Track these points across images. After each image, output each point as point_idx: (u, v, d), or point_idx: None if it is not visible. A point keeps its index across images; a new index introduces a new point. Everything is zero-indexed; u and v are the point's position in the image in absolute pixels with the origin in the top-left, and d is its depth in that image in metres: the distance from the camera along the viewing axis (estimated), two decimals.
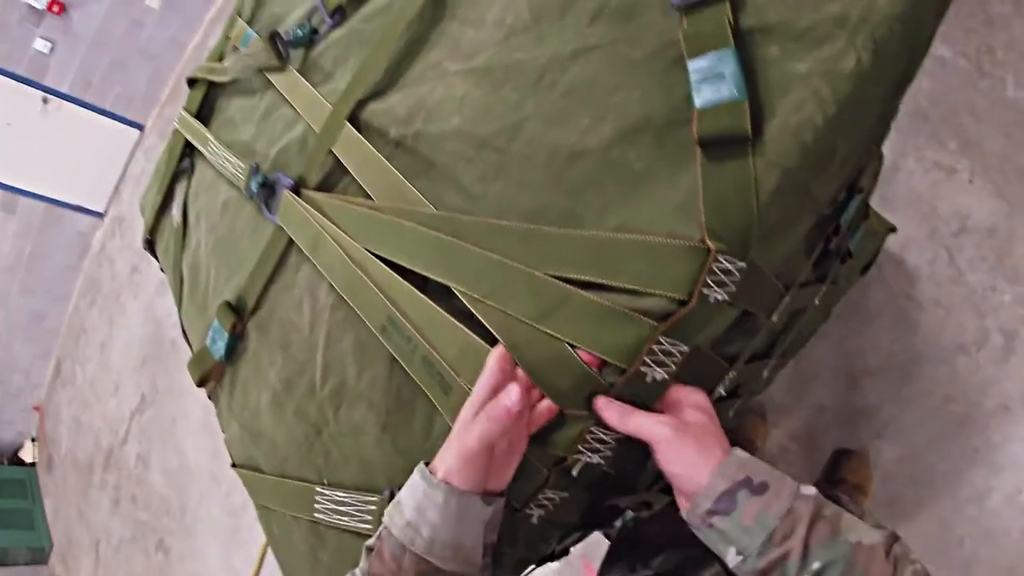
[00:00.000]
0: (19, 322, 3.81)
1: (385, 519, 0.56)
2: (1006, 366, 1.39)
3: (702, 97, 0.55)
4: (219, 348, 0.90)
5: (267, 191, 0.86)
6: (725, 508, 0.50)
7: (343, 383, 0.72)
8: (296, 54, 0.98)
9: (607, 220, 0.58)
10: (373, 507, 0.68)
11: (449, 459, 0.55)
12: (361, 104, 0.80)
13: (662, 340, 0.54)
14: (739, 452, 0.53)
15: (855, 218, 0.99)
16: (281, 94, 0.97)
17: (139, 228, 3.39)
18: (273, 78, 0.99)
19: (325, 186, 0.82)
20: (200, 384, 0.95)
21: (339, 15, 0.93)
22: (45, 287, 3.82)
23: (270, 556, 2.29)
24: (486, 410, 0.54)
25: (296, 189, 0.82)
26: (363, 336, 0.71)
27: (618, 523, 1.11)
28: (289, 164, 0.89)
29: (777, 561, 0.47)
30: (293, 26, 0.99)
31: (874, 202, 1.29)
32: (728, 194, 0.53)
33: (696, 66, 0.56)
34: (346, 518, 0.71)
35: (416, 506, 0.54)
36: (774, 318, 0.77)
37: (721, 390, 0.77)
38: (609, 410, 0.54)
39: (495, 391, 0.55)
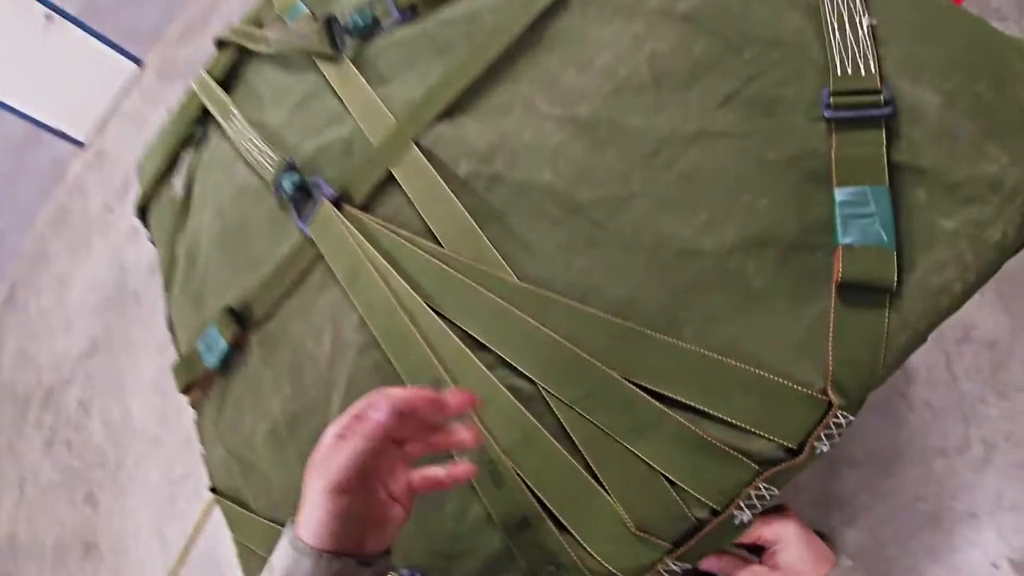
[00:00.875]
0: None
1: None
2: (981, 476, 1.37)
3: (850, 235, 0.47)
4: (213, 357, 0.77)
5: (302, 194, 0.74)
6: None
7: None
8: (350, 43, 0.86)
9: (712, 333, 0.49)
10: None
11: (316, 507, 0.44)
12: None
13: (760, 486, 0.46)
14: (845, 564, 0.55)
15: None
16: (328, 84, 0.85)
17: (120, 165, 3.16)
18: (321, 65, 0.87)
19: (369, 204, 0.71)
20: (184, 391, 0.82)
21: (411, 12, 0.82)
22: (12, 209, 3.53)
23: (205, 532, 2.13)
24: (351, 427, 0.44)
25: (338, 202, 0.70)
26: None
27: None
28: (326, 167, 0.77)
29: None
30: (352, 12, 0.87)
31: None
32: (859, 347, 0.46)
33: (844, 196, 0.48)
34: None
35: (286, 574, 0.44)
36: None
37: None
38: (717, 564, 0.55)
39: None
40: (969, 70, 0.50)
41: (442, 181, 0.64)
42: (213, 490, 0.76)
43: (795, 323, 0.47)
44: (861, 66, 0.51)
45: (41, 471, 2.84)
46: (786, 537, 0.54)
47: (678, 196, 0.53)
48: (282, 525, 0.66)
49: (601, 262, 0.54)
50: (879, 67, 0.51)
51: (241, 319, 0.76)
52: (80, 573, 2.51)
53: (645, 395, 0.48)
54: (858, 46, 0.52)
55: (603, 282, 0.53)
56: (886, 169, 0.47)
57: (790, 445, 0.45)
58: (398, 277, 0.61)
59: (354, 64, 0.83)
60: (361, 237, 0.65)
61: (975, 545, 1.36)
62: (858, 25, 0.52)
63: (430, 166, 0.66)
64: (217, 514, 2.21)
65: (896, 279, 0.45)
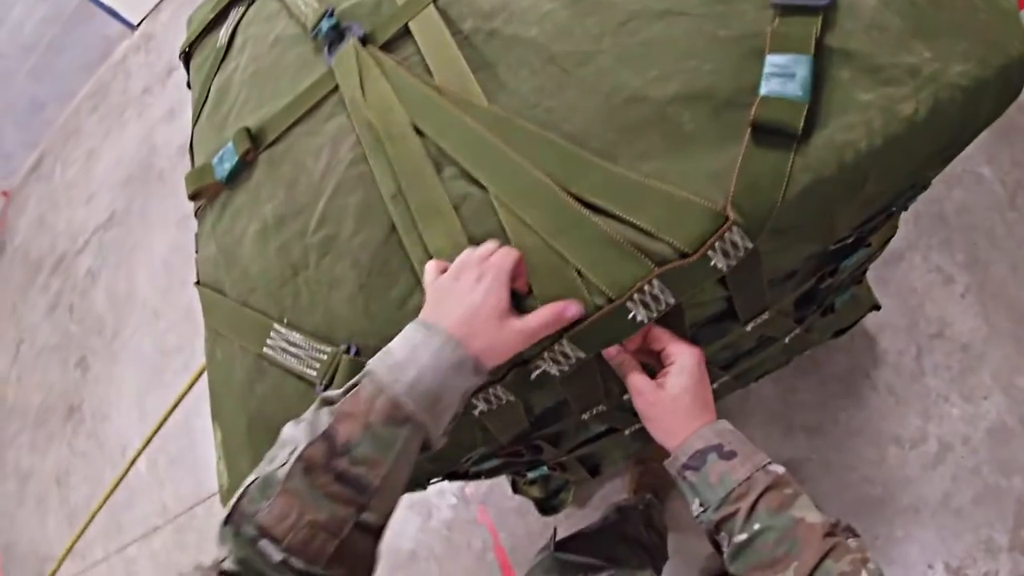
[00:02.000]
0: (17, 105, 3.73)
1: (370, 364, 0.53)
2: (931, 472, 1.45)
3: (769, 87, 0.57)
4: (224, 169, 0.90)
5: (335, 34, 0.87)
6: (696, 465, 0.57)
7: (336, 235, 0.74)
8: None
9: (642, 165, 0.60)
10: (324, 357, 0.69)
11: (453, 314, 0.55)
12: None
13: (654, 283, 0.57)
14: (722, 423, 0.60)
15: (852, 274, 1.02)
16: None
17: (166, 51, 3.32)
18: None
19: (387, 48, 0.83)
20: (192, 198, 0.95)
21: None
22: (54, 79, 3.73)
23: (184, 405, 2.30)
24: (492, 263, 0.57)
25: (363, 41, 0.83)
26: (371, 198, 0.72)
27: (532, 475, 1.14)
28: (355, 19, 0.89)
29: (728, 517, 0.54)
30: None
31: (871, 278, 1.34)
32: (762, 178, 0.56)
33: (774, 60, 0.58)
34: (293, 360, 0.72)
35: (410, 348, 0.53)
36: (748, 328, 0.81)
37: None
38: (614, 355, 0.62)
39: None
40: None
41: (448, 33, 0.76)
42: (198, 283, 0.89)
43: (713, 160, 0.57)
44: None
45: (40, 334, 3.04)
46: (684, 362, 0.60)
47: (637, 55, 0.64)
48: (250, 308, 0.79)
49: (563, 103, 0.65)
50: None
51: (255, 139, 0.89)
52: (60, 433, 2.71)
53: (571, 200, 0.59)
54: None
55: (562, 119, 0.65)
56: (813, 42, 0.57)
57: (685, 249, 0.55)
58: (394, 96, 0.73)
59: None
60: (372, 63, 0.77)
61: (913, 541, 1.45)
62: None
63: (441, 21, 0.78)
64: (197, 389, 2.38)
65: (803, 128, 0.55)
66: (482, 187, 0.65)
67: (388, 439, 0.49)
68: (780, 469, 0.56)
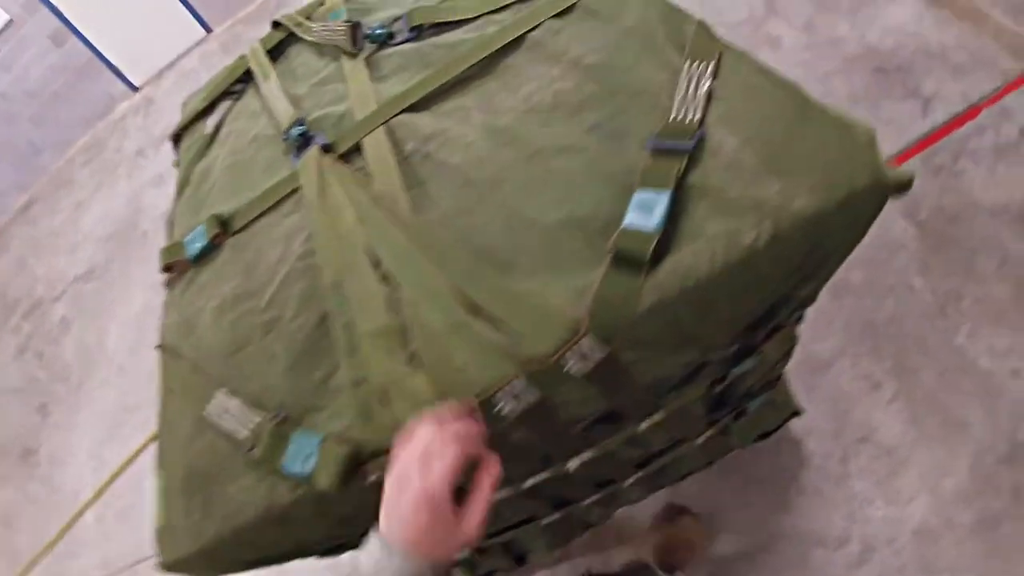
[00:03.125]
0: (14, 146, 3.95)
1: None
2: (855, 573, 1.54)
3: (630, 219, 0.72)
4: (194, 248, 1.06)
5: (303, 140, 1.05)
6: None
7: (279, 317, 0.89)
8: (368, 46, 1.18)
9: (529, 280, 0.75)
10: (257, 420, 0.83)
11: (404, 515, 0.59)
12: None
13: (516, 381, 0.71)
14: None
15: (755, 380, 1.16)
16: (342, 73, 1.16)
17: (164, 116, 3.56)
18: (344, 57, 1.19)
19: (343, 159, 1.00)
20: (164, 270, 1.11)
21: (416, 32, 1.14)
22: (54, 127, 3.97)
23: (134, 467, 2.38)
24: (453, 432, 0.61)
25: (326, 149, 1.00)
26: (312, 288, 0.88)
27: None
28: (321, 129, 1.08)
29: None
30: (376, 24, 1.19)
31: (797, 387, 1.48)
32: (614, 296, 0.70)
33: (639, 196, 0.73)
34: (228, 423, 0.85)
35: (376, 569, 0.59)
36: (642, 426, 0.95)
37: (571, 466, 0.95)
38: None
39: None
40: (770, 121, 0.73)
41: (392, 152, 0.94)
42: (159, 347, 1.03)
43: (582, 279, 0.72)
44: (689, 115, 0.77)
45: (4, 375, 3.13)
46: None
47: (538, 184, 0.81)
48: (201, 372, 0.93)
49: (476, 221, 0.82)
50: (703, 116, 0.76)
51: (224, 225, 1.06)
52: (13, 474, 2.77)
53: (460, 308, 0.74)
54: (694, 101, 0.78)
55: (473, 234, 0.81)
56: (674, 180, 0.71)
57: (547, 353, 0.69)
58: (346, 200, 0.90)
59: (366, 62, 1.15)
60: (330, 170, 0.95)
61: None
62: (700, 86, 0.79)
63: (388, 141, 0.96)
64: (152, 449, 2.46)
65: (655, 256, 0.68)
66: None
67: None
68: None
